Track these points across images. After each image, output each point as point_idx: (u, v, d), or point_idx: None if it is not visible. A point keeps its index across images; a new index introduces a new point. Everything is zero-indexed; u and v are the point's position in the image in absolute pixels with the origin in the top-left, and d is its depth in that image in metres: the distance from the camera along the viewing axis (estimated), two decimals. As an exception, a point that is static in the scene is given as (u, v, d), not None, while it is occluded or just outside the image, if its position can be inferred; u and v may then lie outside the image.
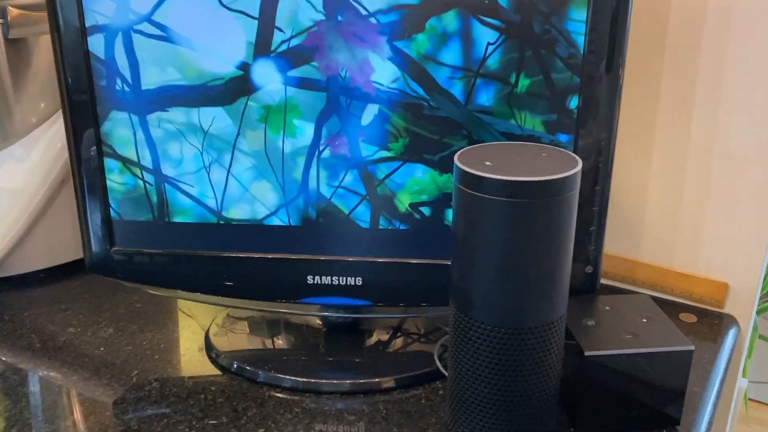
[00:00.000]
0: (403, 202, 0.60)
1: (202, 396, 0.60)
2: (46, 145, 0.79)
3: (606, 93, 0.55)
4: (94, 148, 0.61)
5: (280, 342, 0.68)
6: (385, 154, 0.58)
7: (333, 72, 0.57)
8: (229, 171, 0.60)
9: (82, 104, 0.60)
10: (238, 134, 0.59)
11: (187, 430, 0.56)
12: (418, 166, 0.58)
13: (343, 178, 0.59)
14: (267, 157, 0.60)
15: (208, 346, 0.67)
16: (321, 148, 0.59)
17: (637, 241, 0.77)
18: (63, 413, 0.58)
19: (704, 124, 0.70)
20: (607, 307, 0.59)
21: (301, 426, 0.56)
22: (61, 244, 0.83)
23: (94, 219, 0.64)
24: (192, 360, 0.65)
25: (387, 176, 0.59)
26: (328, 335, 0.68)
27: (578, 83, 0.55)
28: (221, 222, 0.62)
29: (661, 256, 0.76)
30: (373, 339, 0.68)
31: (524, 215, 0.43)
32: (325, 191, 0.60)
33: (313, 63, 0.57)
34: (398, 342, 0.68)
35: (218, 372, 0.64)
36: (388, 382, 0.62)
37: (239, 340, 0.68)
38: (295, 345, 0.67)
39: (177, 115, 0.59)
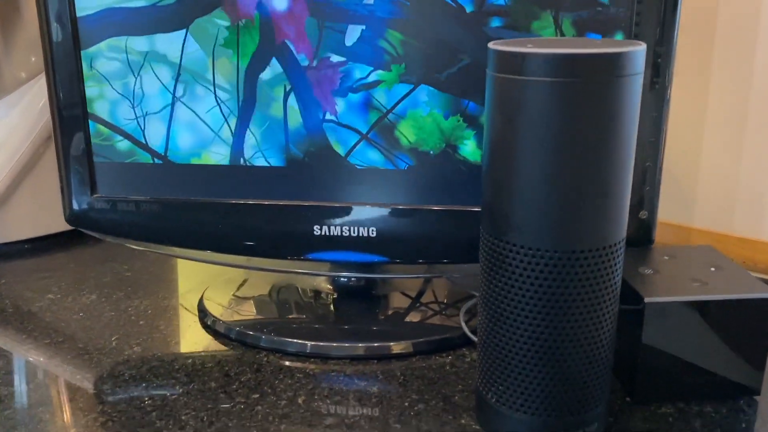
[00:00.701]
0: (408, 137, 0.51)
1: (190, 361, 0.52)
2: (31, 99, 0.73)
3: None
4: (76, 81, 0.54)
5: (284, 308, 0.59)
6: (381, 75, 0.50)
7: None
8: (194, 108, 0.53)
9: (62, 43, 0.53)
10: (207, 63, 0.52)
11: (168, 395, 0.47)
12: (422, 89, 0.50)
13: (336, 109, 0.51)
14: (242, 88, 0.52)
15: (201, 311, 0.59)
16: (306, 74, 0.51)
17: (690, 205, 0.68)
18: (30, 377, 0.49)
19: (768, 64, 0.61)
20: (666, 257, 0.50)
21: (303, 392, 0.47)
22: (47, 214, 0.75)
23: (74, 160, 0.56)
24: (182, 326, 0.57)
25: (393, 106, 0.51)
26: (339, 302, 0.59)
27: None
28: (210, 164, 0.54)
29: (719, 222, 0.67)
30: (391, 305, 0.59)
31: (577, 100, 0.34)
32: (320, 125, 0.52)
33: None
34: (419, 310, 0.59)
35: (211, 338, 0.55)
36: (406, 347, 0.53)
37: (237, 305, 0.60)
38: (301, 311, 0.58)
39: (133, 44, 0.52)
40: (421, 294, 0.61)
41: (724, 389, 0.46)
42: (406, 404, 0.46)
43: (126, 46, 0.53)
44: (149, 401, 0.46)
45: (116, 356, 0.52)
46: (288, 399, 0.47)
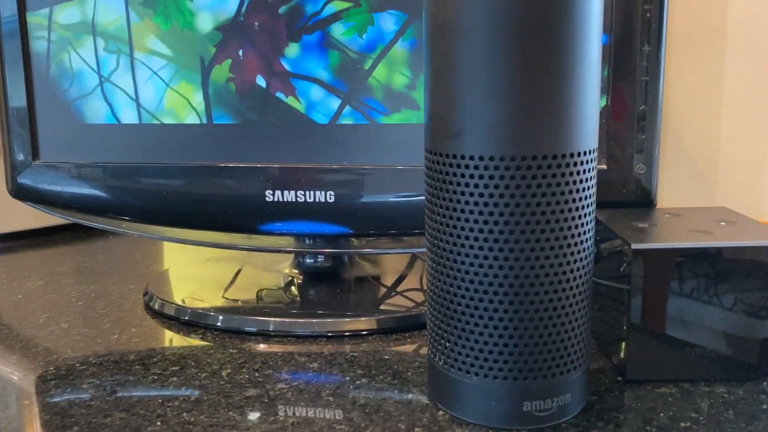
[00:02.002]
0: (379, 78, 0.45)
1: (116, 336, 0.45)
2: None
3: None
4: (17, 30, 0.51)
5: (237, 290, 0.52)
6: (337, 5, 0.45)
7: None
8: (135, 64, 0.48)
9: None
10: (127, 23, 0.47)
11: (77, 365, 0.41)
12: (382, 15, 0.44)
13: (283, 53, 0.46)
14: (171, 42, 0.47)
15: (146, 293, 0.53)
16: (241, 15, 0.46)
17: (711, 188, 0.59)
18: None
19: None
20: (668, 215, 0.42)
21: (231, 366, 0.40)
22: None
23: (16, 121, 0.52)
24: (124, 307, 0.51)
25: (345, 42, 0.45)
26: (303, 286, 0.53)
27: None
28: (155, 123, 0.49)
29: (744, 204, 0.58)
30: (359, 288, 0.52)
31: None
32: (270, 79, 0.47)
33: None
34: (391, 294, 0.51)
35: (150, 318, 0.49)
36: (362, 325, 0.45)
37: (185, 287, 0.54)
38: (257, 294, 0.51)
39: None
40: (401, 279, 0.54)
41: (733, 367, 0.37)
42: (347, 378, 0.38)
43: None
44: (53, 370, 0.40)
45: (38, 330, 0.46)
46: (211, 372, 0.40)
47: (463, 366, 0.33)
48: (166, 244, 0.71)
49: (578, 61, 0.30)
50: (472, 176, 0.31)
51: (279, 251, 0.55)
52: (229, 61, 0.47)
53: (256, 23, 0.46)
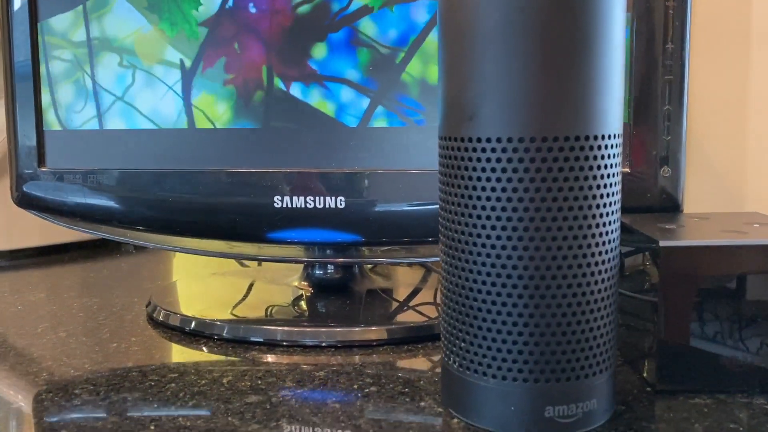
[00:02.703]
0: (413, 74, 0.44)
1: (114, 345, 0.43)
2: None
3: None
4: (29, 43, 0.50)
5: (244, 306, 0.50)
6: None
7: None
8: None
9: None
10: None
11: (71, 372, 0.39)
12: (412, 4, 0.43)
13: (309, 54, 0.45)
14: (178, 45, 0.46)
15: (148, 303, 0.51)
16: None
17: (739, 195, 0.57)
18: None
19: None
20: (697, 219, 0.40)
21: (232, 374, 0.38)
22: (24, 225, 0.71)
23: (24, 128, 0.51)
24: (121, 318, 0.49)
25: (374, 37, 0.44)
26: (312, 299, 0.50)
27: None
28: (160, 128, 0.48)
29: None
30: (370, 299, 0.49)
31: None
32: (285, 82, 0.45)
33: None
34: (403, 307, 0.49)
35: (151, 328, 0.47)
36: (372, 335, 0.43)
37: (190, 300, 0.52)
38: (260, 307, 0.49)
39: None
40: (414, 293, 0.52)
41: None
42: (356, 386, 0.36)
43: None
44: (46, 375, 0.38)
45: (34, 339, 0.44)
46: (211, 379, 0.37)
47: (480, 368, 0.30)
48: (174, 261, 0.69)
49: (600, 38, 0.28)
50: (488, 159, 0.29)
51: (288, 261, 0.54)
52: (224, 59, 0.46)
53: (272, 23, 0.46)
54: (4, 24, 0.51)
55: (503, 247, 0.29)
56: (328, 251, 0.49)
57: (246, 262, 0.64)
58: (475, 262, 0.30)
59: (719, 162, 0.57)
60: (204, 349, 0.42)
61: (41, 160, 0.51)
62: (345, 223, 0.46)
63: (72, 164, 0.50)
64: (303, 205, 0.46)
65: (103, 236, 0.53)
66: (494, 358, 0.30)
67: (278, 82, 0.46)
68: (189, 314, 0.46)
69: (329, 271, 0.52)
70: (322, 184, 0.46)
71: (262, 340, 0.43)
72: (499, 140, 0.28)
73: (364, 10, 0.44)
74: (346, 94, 0.45)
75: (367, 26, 0.44)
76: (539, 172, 0.28)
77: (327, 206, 0.46)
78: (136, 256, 0.71)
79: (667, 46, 0.41)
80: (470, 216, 0.30)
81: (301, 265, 0.54)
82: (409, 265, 0.61)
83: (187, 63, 0.47)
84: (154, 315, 0.48)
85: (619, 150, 0.30)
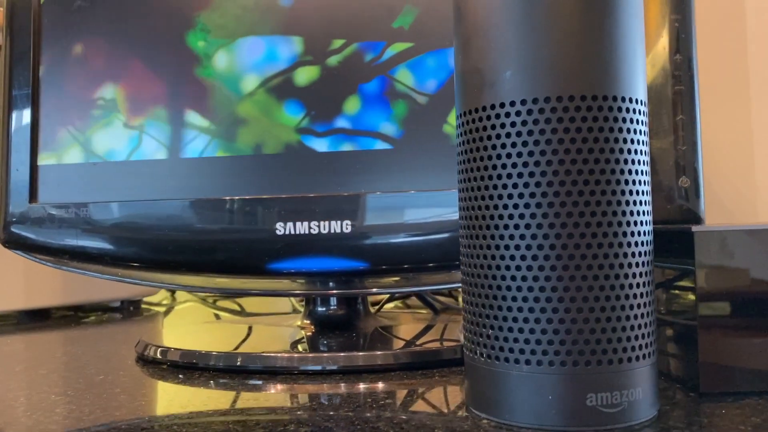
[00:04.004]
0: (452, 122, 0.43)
1: (101, 377, 0.39)
2: None
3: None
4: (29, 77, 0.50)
5: (245, 341, 0.47)
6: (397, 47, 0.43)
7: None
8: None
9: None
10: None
11: (53, 396, 0.35)
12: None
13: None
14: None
15: (137, 343, 0.47)
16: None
17: (752, 210, 0.55)
18: None
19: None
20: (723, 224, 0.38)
21: (225, 399, 0.34)
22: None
23: (17, 161, 0.49)
24: (108, 359, 0.45)
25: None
26: (315, 334, 0.47)
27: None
28: (157, 158, 0.46)
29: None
30: (377, 334, 0.46)
31: None
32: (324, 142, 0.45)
33: None
34: (413, 341, 0.46)
35: (138, 364, 0.43)
36: (381, 359, 0.40)
37: (184, 338, 0.48)
38: (266, 341, 0.46)
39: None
40: (429, 328, 0.49)
41: (835, 381, 0.31)
42: (370, 400, 0.32)
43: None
44: (23, 400, 0.34)
45: (12, 375, 0.41)
46: (206, 410, 0.34)
47: (511, 355, 0.27)
48: (165, 322, 0.66)
49: (620, 3, 0.28)
50: (513, 124, 0.27)
51: (289, 295, 0.51)
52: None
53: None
54: (6, 53, 0.51)
55: (532, 216, 0.27)
56: (330, 283, 0.47)
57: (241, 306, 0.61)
58: (501, 237, 0.28)
59: (730, 171, 0.56)
60: (197, 380, 0.39)
61: (33, 195, 0.49)
62: (351, 249, 0.44)
63: (65, 198, 0.49)
64: (307, 231, 0.44)
65: (94, 276, 0.50)
66: (527, 341, 0.27)
67: (304, 140, 0.45)
68: (176, 349, 0.43)
69: (332, 306, 0.49)
70: (326, 208, 0.44)
71: (261, 367, 0.40)
72: (523, 102, 0.27)
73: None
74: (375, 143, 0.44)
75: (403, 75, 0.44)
76: (567, 133, 0.27)
77: (332, 231, 0.44)
78: (125, 321, 0.68)
79: (675, 57, 0.41)
80: (494, 188, 0.28)
81: (301, 311, 0.51)
82: (420, 299, 0.58)
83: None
84: (145, 353, 0.44)
85: (646, 118, 0.29)
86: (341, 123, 0.44)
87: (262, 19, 0.46)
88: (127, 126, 0.47)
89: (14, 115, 0.49)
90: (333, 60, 0.45)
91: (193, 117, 0.46)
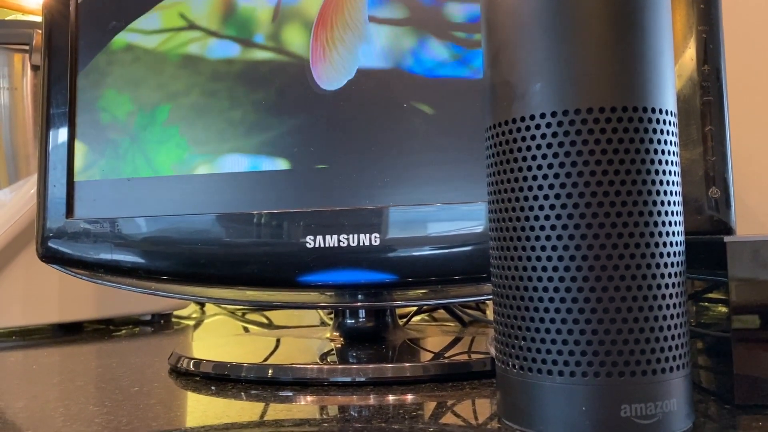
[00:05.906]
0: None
1: (135, 389, 0.40)
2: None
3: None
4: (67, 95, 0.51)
5: (269, 352, 0.47)
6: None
7: None
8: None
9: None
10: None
11: (92, 407, 0.35)
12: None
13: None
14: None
15: (170, 355, 0.48)
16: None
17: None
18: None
19: None
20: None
21: (260, 408, 0.35)
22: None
23: (54, 178, 0.51)
24: (142, 371, 0.46)
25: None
26: (344, 348, 0.47)
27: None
28: (189, 174, 0.47)
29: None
30: (406, 350, 0.46)
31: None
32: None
33: None
34: (441, 353, 0.46)
35: (171, 376, 0.44)
36: (410, 371, 0.40)
37: (215, 350, 0.48)
38: (294, 354, 0.46)
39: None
40: (457, 340, 0.49)
41: None
42: (401, 412, 0.33)
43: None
44: (62, 410, 0.35)
45: (51, 387, 0.41)
46: (234, 421, 0.34)
47: (543, 366, 0.27)
48: (195, 335, 0.66)
49: (649, 14, 0.28)
50: (543, 135, 0.28)
51: (318, 307, 0.51)
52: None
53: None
54: (45, 73, 0.52)
55: (564, 227, 0.27)
56: (359, 295, 0.47)
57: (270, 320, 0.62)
58: (533, 248, 0.28)
59: (762, 181, 0.55)
60: (229, 391, 0.39)
61: (69, 211, 0.50)
62: (380, 262, 0.44)
63: (100, 213, 0.50)
64: (336, 243, 0.45)
65: (127, 289, 0.51)
66: (560, 352, 0.27)
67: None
68: (206, 360, 0.43)
69: (361, 319, 0.49)
70: (355, 221, 0.44)
71: (291, 378, 0.40)
72: (554, 114, 0.28)
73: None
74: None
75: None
76: (598, 144, 0.27)
77: (361, 243, 0.44)
78: (157, 334, 0.69)
79: (702, 68, 0.41)
80: (525, 199, 0.28)
81: (329, 324, 0.51)
82: (448, 311, 0.58)
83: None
84: (179, 365, 0.45)
85: (676, 130, 0.29)
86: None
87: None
88: (161, 143, 0.48)
89: (52, 133, 0.51)
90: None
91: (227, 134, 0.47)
